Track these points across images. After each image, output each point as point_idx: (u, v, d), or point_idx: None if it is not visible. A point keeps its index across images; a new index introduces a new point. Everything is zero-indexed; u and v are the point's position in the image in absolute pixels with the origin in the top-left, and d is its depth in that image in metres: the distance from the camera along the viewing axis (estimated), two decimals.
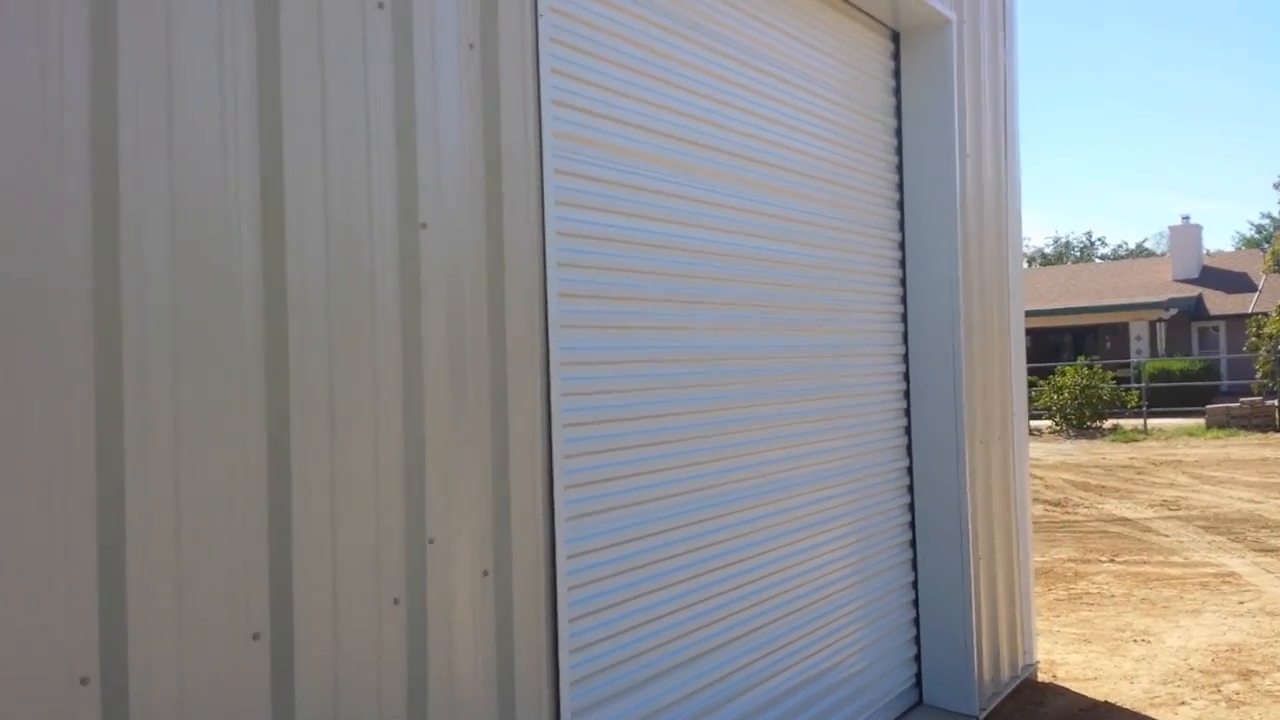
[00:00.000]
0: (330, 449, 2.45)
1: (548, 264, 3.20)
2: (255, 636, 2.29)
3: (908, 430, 6.61)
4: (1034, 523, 13.34)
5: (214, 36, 2.26)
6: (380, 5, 2.66)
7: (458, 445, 2.82)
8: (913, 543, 6.62)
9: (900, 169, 6.63)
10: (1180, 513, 14.51)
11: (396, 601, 2.62)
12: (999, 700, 6.72)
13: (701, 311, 4.64)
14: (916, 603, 6.63)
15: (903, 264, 6.62)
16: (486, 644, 2.90)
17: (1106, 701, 6.84)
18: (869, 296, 6.23)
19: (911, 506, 6.63)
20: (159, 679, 2.11)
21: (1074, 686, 7.19)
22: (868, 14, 6.23)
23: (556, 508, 3.17)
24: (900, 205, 6.64)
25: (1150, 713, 6.60)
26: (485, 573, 2.92)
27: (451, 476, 2.79)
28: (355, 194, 2.57)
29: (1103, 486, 17.57)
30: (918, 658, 6.64)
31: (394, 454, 2.62)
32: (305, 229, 2.44)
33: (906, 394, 6.60)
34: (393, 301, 2.66)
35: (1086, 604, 9.56)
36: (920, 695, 6.62)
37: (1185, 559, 11.40)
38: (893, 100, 6.61)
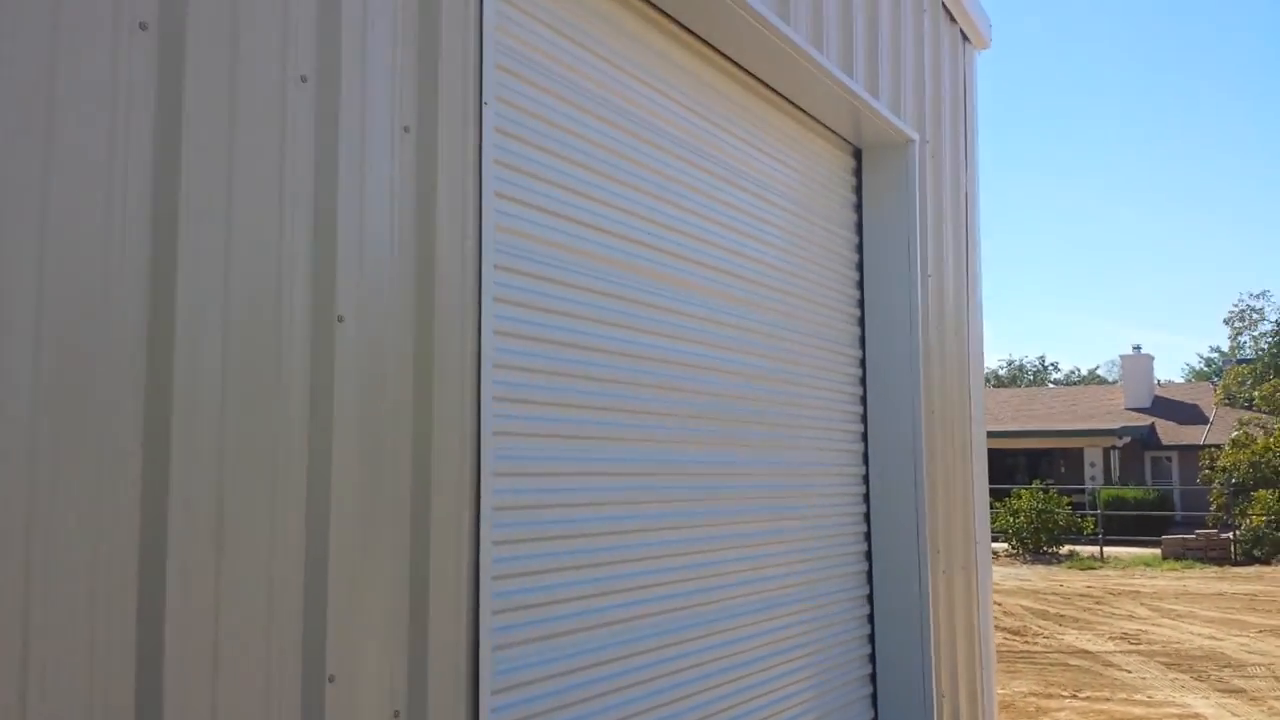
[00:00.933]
0: (215, 568, 2.14)
1: (482, 365, 2.93)
2: None
3: (868, 555, 6.32)
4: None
5: (108, 96, 2.01)
6: (303, 79, 2.43)
7: (368, 567, 2.51)
8: (872, 677, 6.28)
9: (861, 284, 6.48)
10: (1141, 647, 14.22)
11: None
12: None
13: (650, 422, 4.37)
14: None
15: (863, 381, 6.42)
16: None
17: None
18: (827, 413, 6.00)
19: (871, 638, 6.30)
20: None
21: None
22: (831, 130, 6.13)
23: (482, 636, 2.84)
24: (861, 321, 6.46)
25: None
26: (395, 714, 2.58)
27: (359, 603, 2.47)
28: (261, 280, 2.30)
29: (1062, 615, 17.26)
30: None
31: (292, 576, 2.30)
32: (199, 312, 2.16)
33: (867, 516, 6.33)
34: (300, 401, 2.37)
35: None
36: None
37: (1149, 697, 11.08)
38: (854, 215, 6.48)
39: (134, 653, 2.00)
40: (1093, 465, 39.96)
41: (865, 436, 6.37)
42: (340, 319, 2.48)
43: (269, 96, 2.34)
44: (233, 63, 2.27)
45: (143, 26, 2.06)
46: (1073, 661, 13.05)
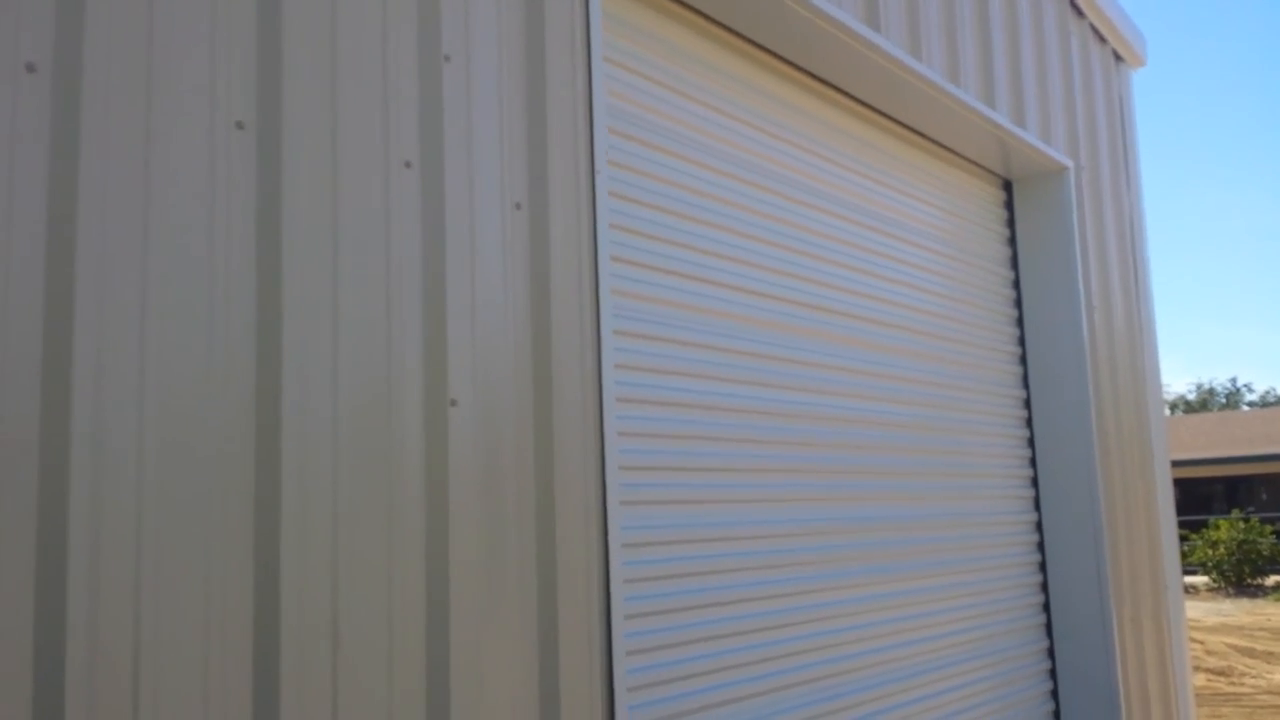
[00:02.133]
0: (332, 664, 2.11)
1: (605, 434, 2.86)
2: None
3: (1046, 607, 5.98)
4: (1195, 694, 12.20)
5: (206, 187, 2.03)
6: (407, 165, 2.43)
7: (493, 655, 2.45)
8: (1054, 692, 5.92)
9: (1020, 322, 6.19)
10: None
11: None
12: None
13: (795, 480, 4.22)
14: None
15: (1029, 423, 6.11)
16: None
17: None
18: (991, 460, 5.73)
19: (1055, 694, 5.95)
20: None
21: None
22: (975, 163, 5.91)
23: (618, 709, 2.75)
24: (1023, 360, 6.17)
25: None
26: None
27: (485, 695, 2.41)
28: (371, 367, 2.29)
29: (1270, 653, 16.12)
30: None
31: (413, 673, 2.26)
32: (307, 405, 2.16)
33: (1042, 566, 6.01)
34: (416, 487, 2.34)
35: None
36: None
37: None
38: (1008, 250, 6.22)
39: None
40: None
41: (1035, 481, 6.06)
42: (454, 402, 2.46)
43: (373, 183, 2.34)
44: (334, 156, 2.28)
45: (240, 126, 2.09)
46: None
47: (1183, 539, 28.41)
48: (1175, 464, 30.22)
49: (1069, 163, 6.11)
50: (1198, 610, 22.32)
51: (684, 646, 3.49)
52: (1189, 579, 27.21)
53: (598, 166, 2.97)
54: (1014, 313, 6.17)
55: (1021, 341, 6.18)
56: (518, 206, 2.71)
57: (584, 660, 2.70)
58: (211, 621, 1.96)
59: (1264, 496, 38.44)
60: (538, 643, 2.58)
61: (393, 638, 2.22)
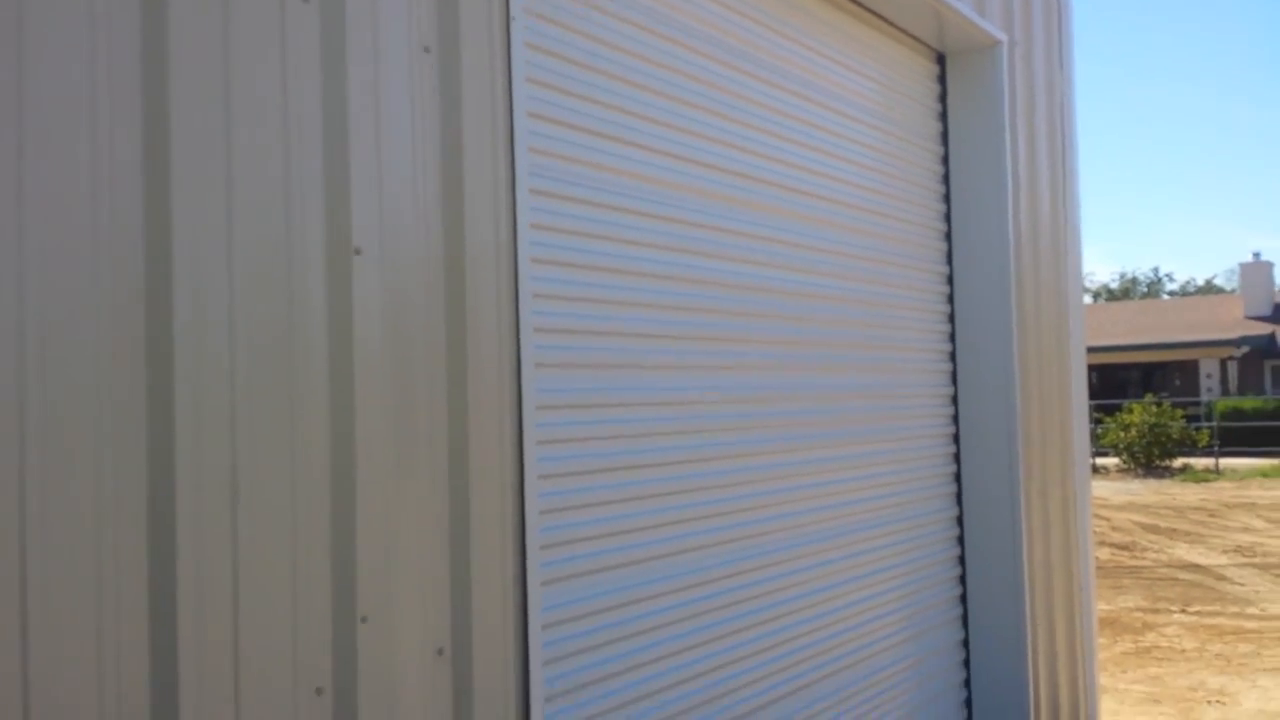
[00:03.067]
0: (231, 516, 2.08)
1: (520, 295, 2.82)
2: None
3: (957, 478, 6.13)
4: (1099, 567, 12.67)
5: (85, 22, 1.92)
6: (305, 0, 2.31)
7: (401, 505, 2.44)
8: (963, 598, 6.13)
9: (948, 198, 6.20)
10: (1256, 560, 13.76)
11: (320, 691, 2.24)
12: None
13: (716, 348, 4.23)
14: (968, 662, 6.13)
15: (951, 299, 6.17)
16: None
17: None
18: (913, 333, 5.79)
19: (962, 559, 6.14)
20: None
21: None
22: (909, 34, 5.83)
23: (530, 572, 2.77)
24: (948, 236, 6.20)
25: None
26: (439, 652, 2.53)
27: (394, 541, 2.40)
28: (269, 215, 2.21)
29: (1173, 529, 16.80)
30: None
31: (318, 514, 2.24)
32: (200, 254, 2.08)
33: (956, 438, 6.13)
34: (318, 339, 2.29)
35: (1155, 659, 8.95)
36: None
37: (1262, 610, 10.71)
38: (938, 126, 6.19)
39: (146, 603, 1.96)
40: (1209, 377, 38.78)
41: (954, 357, 6.15)
42: (358, 251, 2.39)
43: (267, 20, 2.23)
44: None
45: None
46: (1183, 576, 12.70)
47: (1097, 422, 29.23)
48: (1095, 350, 30.88)
49: (1003, 37, 6.06)
50: (1106, 490, 23.10)
51: (596, 508, 3.51)
52: (1100, 460, 28.07)
53: (513, 13, 2.86)
54: (942, 189, 6.17)
55: (948, 218, 6.20)
56: (426, 50, 2.61)
57: (496, 520, 2.70)
58: (103, 472, 1.91)
59: (1178, 383, 39.60)
60: (448, 502, 2.57)
61: (295, 492, 2.19)
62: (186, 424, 2.03)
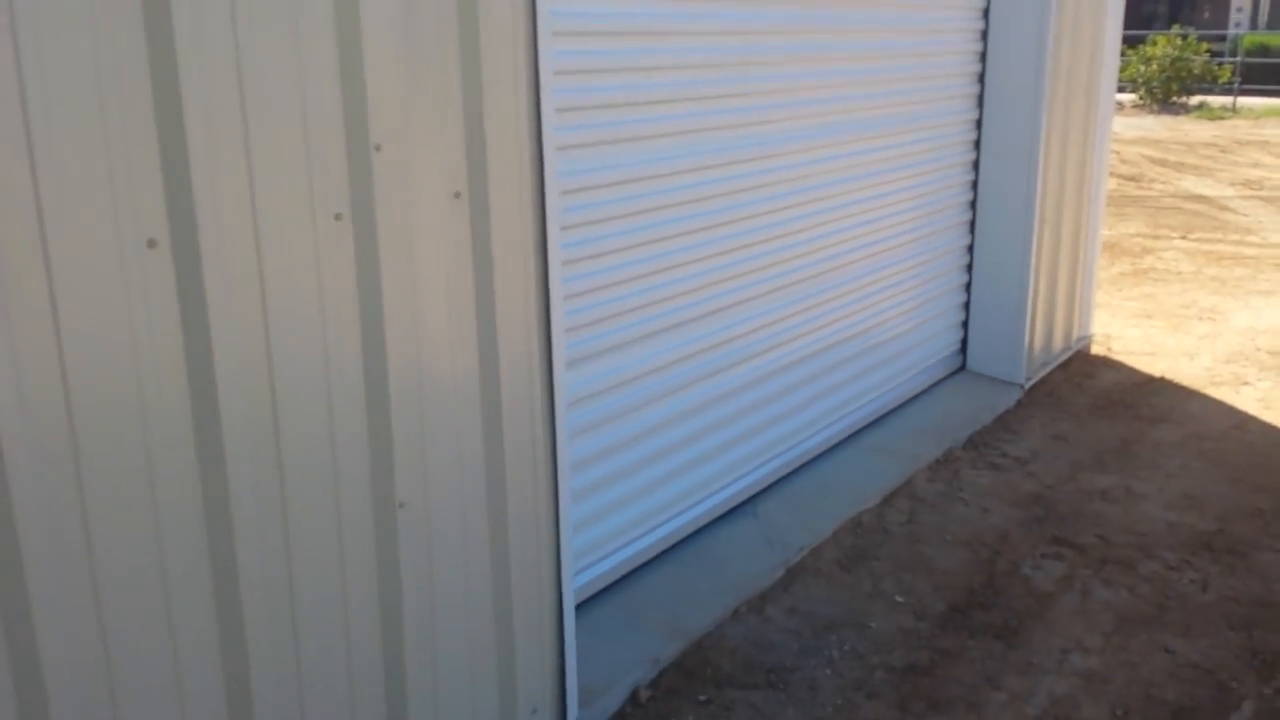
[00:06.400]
0: (232, 31, 1.95)
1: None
2: (151, 244, 1.89)
3: (981, 78, 5.93)
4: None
5: None
6: None
7: (411, 37, 2.30)
8: (973, 204, 6.10)
9: None
10: (1262, 193, 13.71)
11: (339, 217, 2.20)
12: (1047, 370, 6.39)
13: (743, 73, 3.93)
14: (970, 267, 6.19)
15: None
16: (461, 270, 2.50)
17: (1163, 377, 6.49)
18: None
19: (976, 164, 6.05)
20: None
21: (1130, 361, 6.83)
22: None
23: (544, 110, 2.67)
24: None
25: (1209, 391, 6.24)
26: (456, 195, 2.48)
27: (406, 70, 2.28)
28: None
29: (1182, 164, 16.64)
30: (965, 324, 6.27)
31: (323, 45, 2.11)
32: None
33: (984, 35, 5.87)
34: None
35: (1152, 279, 9.08)
36: (964, 361, 6.30)
37: (1263, 239, 10.78)
38: None
39: (154, 126, 1.87)
40: (1239, 11, 37.24)
41: None
42: None
43: None
44: None
45: None
46: (1187, 206, 12.70)
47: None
48: None
49: None
50: (1119, 125, 22.70)
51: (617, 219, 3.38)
52: (1117, 96, 27.43)
53: None
54: None
55: None
56: None
57: (509, 69, 2.57)
58: (112, 136, 1.77)
59: (1207, 15, 38.07)
60: (458, 42, 2.42)
61: (299, 15, 2.04)
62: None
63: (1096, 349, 7.03)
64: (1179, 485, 4.96)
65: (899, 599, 3.94)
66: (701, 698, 3.32)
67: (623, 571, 3.88)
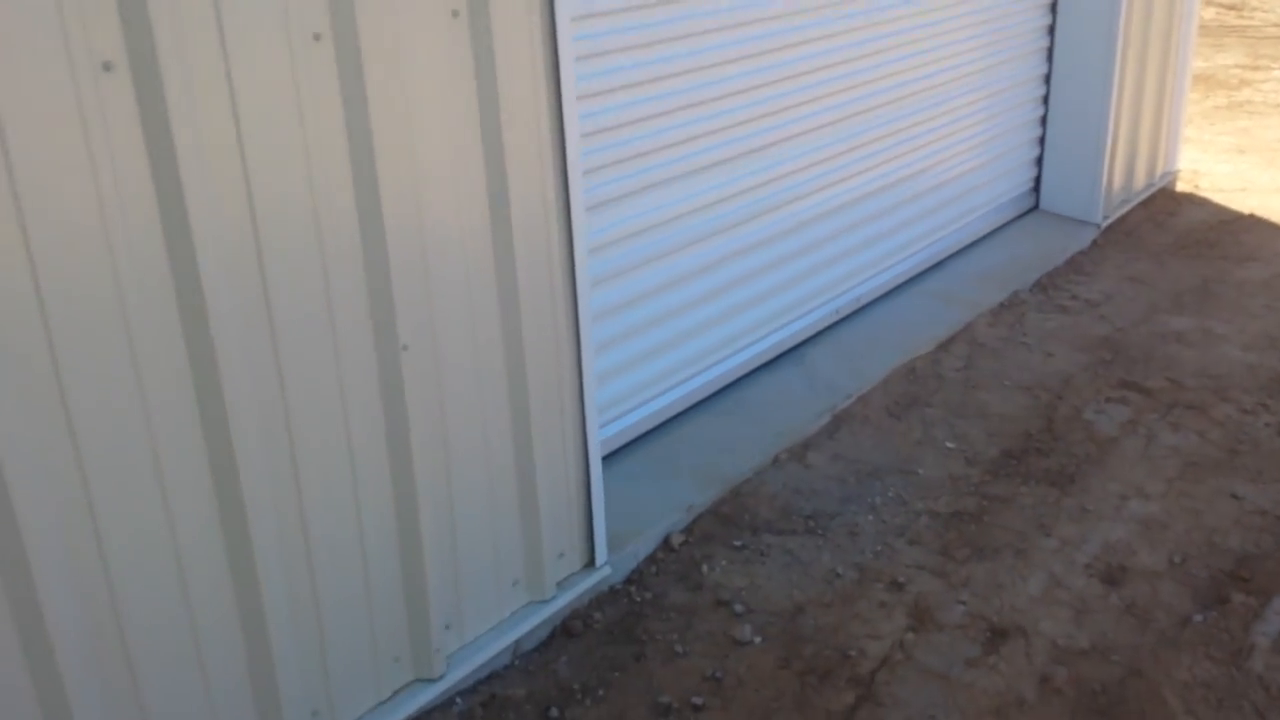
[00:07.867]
0: None
1: None
2: (106, 66, 1.75)
3: None
4: (1201, 26, 11.89)
5: None
6: None
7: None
8: (1050, 29, 5.69)
9: None
10: None
11: (318, 37, 2.04)
12: (1127, 209, 6.04)
13: None
14: (1046, 99, 5.82)
15: None
16: (462, 97, 2.34)
17: (1253, 214, 6.11)
18: None
19: (1054, 6, 5.63)
20: None
21: (1218, 198, 6.44)
22: None
23: None
24: None
25: None
26: (454, 14, 2.29)
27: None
28: None
29: None
30: (1039, 160, 5.93)
31: None
32: None
33: None
34: None
35: (1248, 113, 8.54)
36: (1037, 201, 5.98)
37: None
38: None
39: None
40: None
41: None
42: None
43: None
44: None
45: None
46: None
47: None
48: None
49: None
50: None
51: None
52: None
53: None
54: None
55: None
56: None
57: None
58: None
59: None
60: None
61: None
62: None
63: (1182, 185, 6.63)
64: (1261, 326, 4.68)
65: (950, 445, 3.79)
66: (736, 543, 3.23)
67: (659, 420, 3.77)
